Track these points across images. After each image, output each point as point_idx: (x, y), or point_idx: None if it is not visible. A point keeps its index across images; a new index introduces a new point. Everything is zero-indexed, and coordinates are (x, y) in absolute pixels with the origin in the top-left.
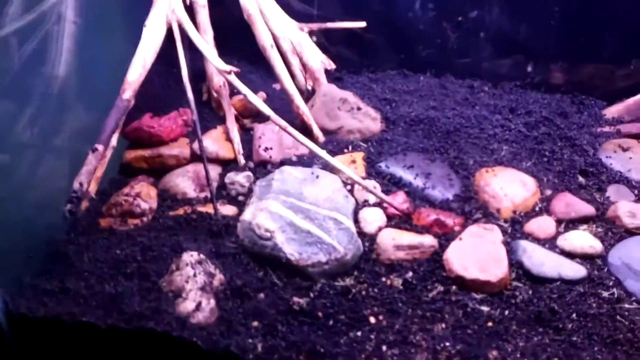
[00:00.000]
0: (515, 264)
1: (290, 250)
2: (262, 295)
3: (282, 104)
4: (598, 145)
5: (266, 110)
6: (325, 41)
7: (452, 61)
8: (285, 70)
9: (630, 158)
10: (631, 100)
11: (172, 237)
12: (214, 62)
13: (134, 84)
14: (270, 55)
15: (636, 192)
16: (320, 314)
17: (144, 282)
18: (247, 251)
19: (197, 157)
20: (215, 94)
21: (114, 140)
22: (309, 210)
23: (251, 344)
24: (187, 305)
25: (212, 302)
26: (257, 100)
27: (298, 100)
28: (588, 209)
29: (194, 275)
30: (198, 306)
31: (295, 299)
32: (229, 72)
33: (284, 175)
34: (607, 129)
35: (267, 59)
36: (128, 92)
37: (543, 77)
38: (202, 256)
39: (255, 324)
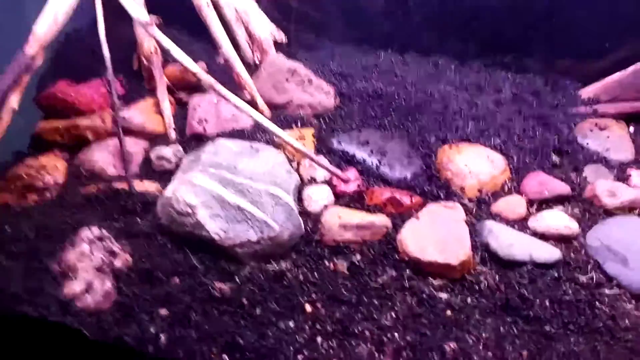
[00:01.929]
0: (481, 247)
1: (215, 228)
2: (176, 279)
3: (225, 78)
4: (573, 124)
5: (194, 68)
6: (279, 15)
7: (416, 38)
8: (223, 32)
9: (608, 137)
10: (608, 79)
11: (76, 215)
12: (132, 11)
13: (42, 38)
14: (206, 15)
15: (615, 172)
16: (245, 301)
17: (32, 262)
18: (165, 230)
19: (122, 130)
20: (145, 62)
21: (13, 102)
22: (242, 184)
23: (153, 335)
24: (74, 286)
25: (109, 284)
26: (186, 59)
27: (239, 67)
28: (563, 188)
29: (90, 252)
30: (88, 288)
31: (218, 284)
32: (151, 24)
33: (217, 148)
34: (583, 109)
35: (203, 20)
36: (33, 47)
37: (514, 56)
38: (104, 233)
39: (163, 312)
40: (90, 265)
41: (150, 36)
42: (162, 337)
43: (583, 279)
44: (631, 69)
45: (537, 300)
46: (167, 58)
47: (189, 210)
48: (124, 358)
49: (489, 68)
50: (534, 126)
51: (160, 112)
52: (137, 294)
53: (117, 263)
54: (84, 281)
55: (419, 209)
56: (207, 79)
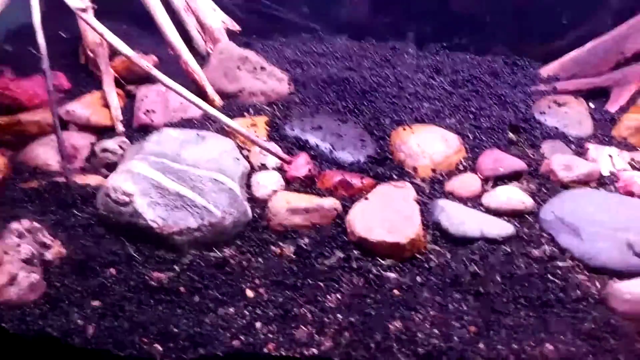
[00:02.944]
0: (432, 225)
1: (153, 216)
2: (112, 270)
3: (177, 70)
4: (532, 102)
5: (128, 52)
6: (232, 3)
7: (373, 23)
8: (169, 21)
9: (566, 113)
10: (566, 57)
11: (13, 210)
12: None
13: None
14: (149, 4)
15: (573, 147)
16: (183, 289)
17: None
18: (103, 221)
19: (65, 124)
20: (91, 54)
21: None
22: (184, 171)
23: (81, 327)
24: None
25: (36, 276)
26: (120, 44)
27: (186, 55)
28: (518, 164)
29: (18, 245)
30: (12, 280)
31: (156, 273)
32: (85, 10)
33: (162, 137)
34: (542, 87)
35: (147, 10)
36: None
37: (473, 38)
38: (36, 225)
39: (95, 303)
40: (16, 258)
41: (84, 22)
42: (91, 328)
43: (536, 252)
44: (588, 46)
45: (488, 276)
46: (114, 51)
47: (126, 199)
48: (49, 351)
49: (447, 50)
50: (491, 105)
51: (107, 105)
52: (68, 285)
53: (49, 255)
54: (8, 274)
55: (370, 190)
56: (144, 65)
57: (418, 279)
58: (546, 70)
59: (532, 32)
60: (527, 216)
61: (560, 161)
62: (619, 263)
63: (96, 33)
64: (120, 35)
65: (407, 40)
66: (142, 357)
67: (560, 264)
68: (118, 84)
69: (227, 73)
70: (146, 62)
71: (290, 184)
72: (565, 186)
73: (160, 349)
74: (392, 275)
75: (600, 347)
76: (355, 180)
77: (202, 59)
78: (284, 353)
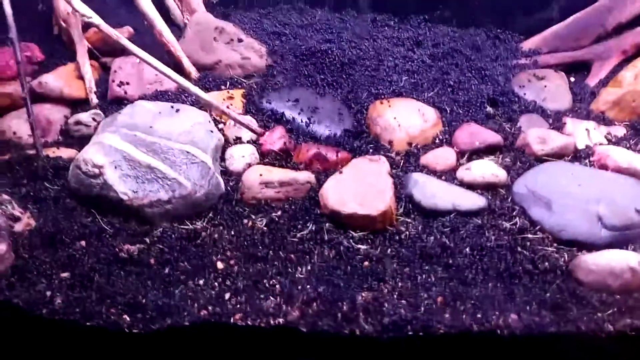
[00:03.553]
0: (405, 199)
1: (124, 188)
2: (82, 242)
3: (154, 42)
4: (512, 76)
5: (97, 20)
6: None
7: None
8: None
9: (546, 86)
10: (548, 31)
11: None
12: None
13: None
14: None
15: (550, 121)
16: (153, 261)
17: None
18: (74, 194)
19: (39, 96)
20: (63, 24)
21: None
22: (156, 143)
23: (49, 298)
24: None
25: (3, 247)
26: (86, 9)
27: (160, 25)
28: (494, 138)
29: None
30: None
31: (127, 246)
32: None
33: (135, 109)
34: (523, 60)
35: None
36: None
37: (455, 11)
38: (5, 197)
39: (64, 274)
40: None
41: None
42: (58, 299)
43: (507, 225)
44: (570, 19)
45: (458, 248)
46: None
47: (97, 171)
48: (17, 322)
49: (429, 23)
50: (470, 79)
51: (81, 77)
52: (37, 257)
53: (18, 227)
54: None
55: (345, 164)
56: (113, 34)
57: (388, 250)
58: (528, 44)
59: (515, 5)
60: (500, 189)
61: (535, 135)
62: (587, 235)
63: (66, 2)
64: (96, 6)
65: (388, 13)
66: (110, 327)
67: (530, 236)
68: (93, 55)
69: (204, 45)
70: (115, 32)
71: (266, 157)
72: (540, 160)
73: (128, 319)
74: (362, 247)
75: (564, 316)
76: (331, 154)
77: (179, 30)
78: (250, 323)
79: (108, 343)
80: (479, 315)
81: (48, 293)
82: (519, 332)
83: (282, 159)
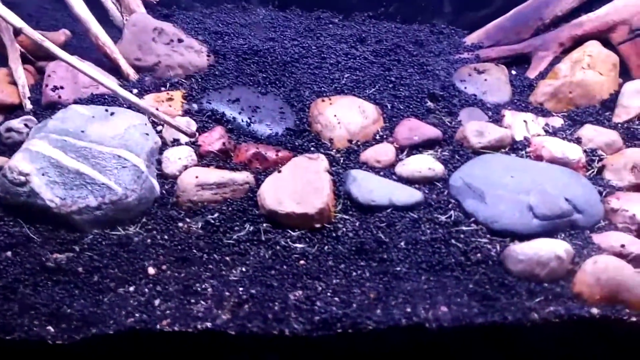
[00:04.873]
0: (344, 195)
1: (51, 195)
2: (8, 253)
3: (92, 44)
4: (453, 70)
5: (18, 23)
6: None
7: None
8: None
9: (486, 80)
10: (490, 24)
11: None
12: None
13: None
14: None
15: (490, 114)
16: (81, 269)
17: None
18: (1, 203)
19: None
20: None
21: None
22: (86, 148)
23: None
24: None
25: None
26: (7, 12)
27: (95, 28)
28: (433, 132)
29: None
30: None
31: (55, 255)
32: None
33: (68, 114)
34: (465, 55)
35: None
36: None
37: (399, 7)
38: None
39: None
40: None
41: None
42: None
43: (442, 218)
44: (511, 12)
45: (393, 242)
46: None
47: (23, 179)
48: None
49: (373, 20)
50: (411, 74)
51: (14, 82)
52: None
53: None
54: None
55: (286, 163)
56: (37, 37)
57: (325, 248)
58: (471, 39)
59: (460, 0)
60: (437, 183)
61: (473, 128)
62: (519, 225)
63: None
64: (32, 9)
65: (333, 10)
66: (32, 339)
67: (464, 228)
68: (27, 60)
69: (142, 46)
70: (40, 36)
71: (204, 158)
72: (478, 152)
73: (52, 330)
74: (299, 245)
75: (491, 306)
76: (270, 153)
77: (119, 31)
78: (177, 329)
79: (31, 356)
80: (408, 310)
81: None
82: (447, 324)
83: (221, 159)
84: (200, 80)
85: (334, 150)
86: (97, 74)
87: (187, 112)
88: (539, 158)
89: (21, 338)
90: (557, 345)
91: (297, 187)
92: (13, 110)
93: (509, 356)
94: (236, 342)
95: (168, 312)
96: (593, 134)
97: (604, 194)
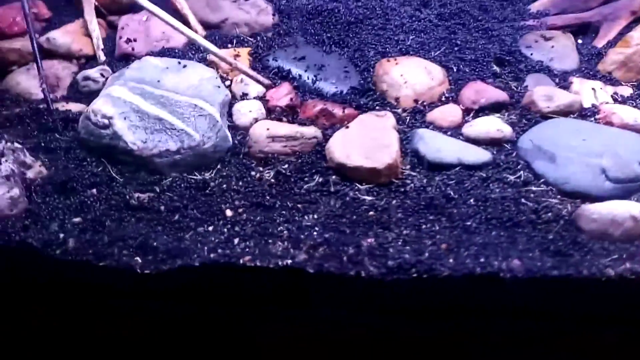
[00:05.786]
0: (411, 153)
1: (133, 138)
2: (93, 190)
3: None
4: (519, 37)
5: None
6: None
7: None
8: None
9: (553, 47)
10: None
11: None
12: None
13: None
14: None
15: (557, 80)
16: (163, 208)
17: None
18: (84, 145)
19: (47, 53)
20: None
21: None
22: (164, 96)
23: (62, 240)
24: None
25: (17, 191)
26: None
27: None
28: (500, 95)
29: None
30: None
31: (136, 194)
32: None
33: (143, 64)
34: (531, 22)
35: None
36: None
37: None
38: (17, 145)
39: (76, 219)
40: None
41: None
42: (71, 241)
43: (511, 178)
44: None
45: (462, 199)
46: None
47: (106, 122)
48: (30, 262)
49: None
50: (477, 39)
51: (89, 34)
52: (49, 203)
53: (30, 174)
54: None
55: (351, 120)
56: None
57: (394, 202)
58: (536, 6)
59: None
60: (505, 145)
61: (541, 92)
62: (591, 187)
63: None
64: None
65: None
66: (121, 267)
67: (533, 188)
68: (100, 13)
69: (210, 2)
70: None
71: (272, 113)
72: (546, 117)
73: (140, 260)
74: (368, 198)
75: (565, 262)
76: (337, 110)
77: None
78: (258, 264)
79: (120, 283)
80: (481, 260)
81: (61, 235)
82: (521, 275)
83: (288, 115)
84: (265, 38)
85: (400, 109)
86: (180, 24)
87: (254, 69)
88: (609, 124)
89: (112, 266)
90: (631, 300)
91: (365, 142)
92: (87, 60)
93: (582, 312)
94: (314, 280)
95: (248, 250)
96: None
97: None
